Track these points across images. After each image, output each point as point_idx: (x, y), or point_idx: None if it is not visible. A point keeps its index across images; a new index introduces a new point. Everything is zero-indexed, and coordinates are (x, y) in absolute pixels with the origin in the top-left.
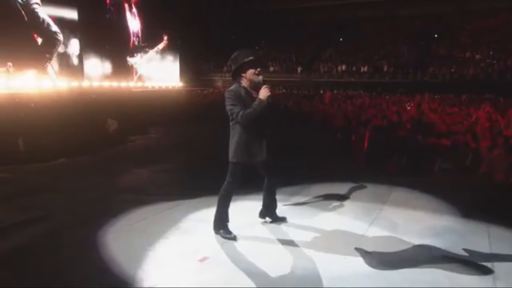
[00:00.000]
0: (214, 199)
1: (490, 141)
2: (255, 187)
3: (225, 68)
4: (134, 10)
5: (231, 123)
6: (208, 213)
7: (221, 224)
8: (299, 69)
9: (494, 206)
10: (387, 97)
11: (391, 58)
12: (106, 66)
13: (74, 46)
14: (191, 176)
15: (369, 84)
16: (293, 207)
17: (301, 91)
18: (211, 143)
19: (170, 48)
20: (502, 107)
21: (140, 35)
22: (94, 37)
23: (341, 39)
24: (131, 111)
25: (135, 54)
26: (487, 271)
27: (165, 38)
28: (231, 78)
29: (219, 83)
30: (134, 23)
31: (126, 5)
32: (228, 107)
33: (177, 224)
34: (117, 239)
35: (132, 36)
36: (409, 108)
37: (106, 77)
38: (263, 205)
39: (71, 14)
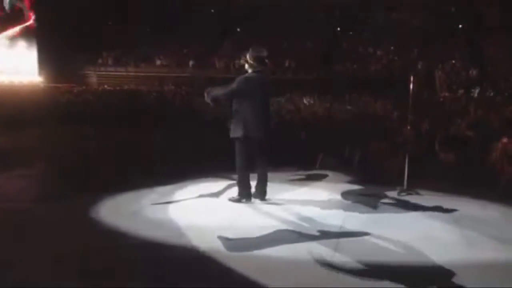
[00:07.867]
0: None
1: None
2: None
3: (100, 61)
4: None
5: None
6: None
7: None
8: (190, 63)
9: None
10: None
11: (294, 53)
12: None
13: None
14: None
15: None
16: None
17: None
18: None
19: (24, 32)
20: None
21: None
22: None
23: (238, 30)
24: None
25: None
26: None
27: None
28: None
29: (93, 79)
30: None
31: None
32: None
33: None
34: None
35: None
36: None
37: None
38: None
39: None
